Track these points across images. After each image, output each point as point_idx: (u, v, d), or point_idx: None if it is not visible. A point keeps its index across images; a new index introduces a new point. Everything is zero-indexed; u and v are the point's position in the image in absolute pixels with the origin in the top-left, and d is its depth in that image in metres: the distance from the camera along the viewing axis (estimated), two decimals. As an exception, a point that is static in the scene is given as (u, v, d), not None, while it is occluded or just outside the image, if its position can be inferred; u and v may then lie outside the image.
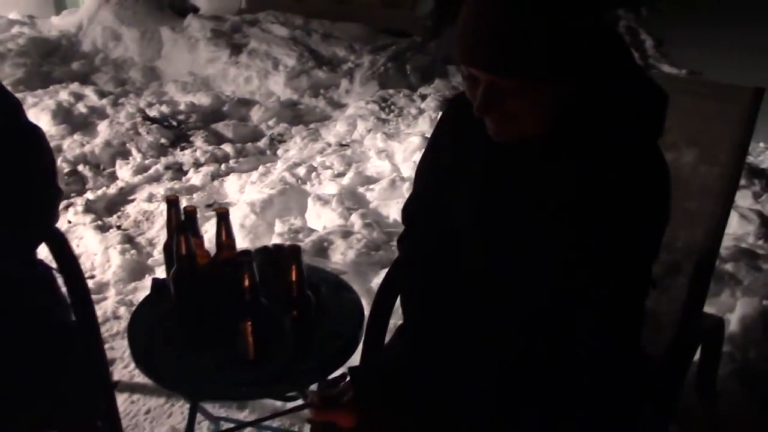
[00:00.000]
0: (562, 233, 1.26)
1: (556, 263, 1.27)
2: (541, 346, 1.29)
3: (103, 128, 4.47)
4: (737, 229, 3.12)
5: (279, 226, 3.29)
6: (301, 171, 3.88)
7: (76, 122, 4.55)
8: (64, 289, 1.85)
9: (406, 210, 1.60)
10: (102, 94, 4.93)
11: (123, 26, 5.95)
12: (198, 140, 4.42)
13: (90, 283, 2.84)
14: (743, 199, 3.38)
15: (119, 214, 3.71)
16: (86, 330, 1.81)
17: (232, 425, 2.32)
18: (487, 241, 1.38)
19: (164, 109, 4.78)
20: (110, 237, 3.37)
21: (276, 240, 3.19)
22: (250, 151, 4.30)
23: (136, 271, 3.15)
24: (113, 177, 4.06)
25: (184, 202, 2.21)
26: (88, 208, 3.65)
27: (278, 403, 2.38)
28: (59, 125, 4.35)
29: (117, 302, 2.94)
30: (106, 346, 2.56)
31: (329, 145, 4.34)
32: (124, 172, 4.05)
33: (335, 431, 1.40)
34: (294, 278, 1.60)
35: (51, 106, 4.52)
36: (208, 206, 3.62)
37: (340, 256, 2.97)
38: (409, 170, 3.83)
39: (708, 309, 2.05)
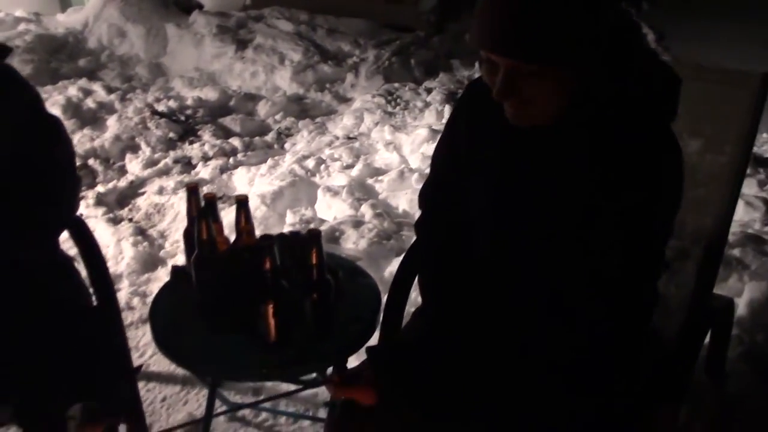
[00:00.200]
0: (579, 215, 1.28)
1: (572, 244, 1.30)
2: (556, 327, 1.32)
3: (112, 123, 4.51)
4: (743, 215, 3.16)
5: (290, 217, 3.32)
6: (310, 163, 3.91)
7: (85, 117, 4.59)
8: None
9: (423, 195, 1.63)
10: (110, 90, 4.97)
11: (128, 23, 5.98)
12: (206, 134, 4.45)
13: (105, 273, 2.87)
14: (749, 187, 3.41)
15: (130, 206, 3.74)
16: (108, 315, 1.84)
17: (248, 411, 2.36)
18: (505, 224, 1.40)
19: (172, 104, 4.82)
20: (122, 229, 3.41)
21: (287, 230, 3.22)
22: (258, 145, 4.33)
23: (149, 262, 3.18)
24: (123, 171, 4.09)
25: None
26: (100, 201, 3.69)
27: (293, 389, 2.42)
28: (69, 120, 4.38)
29: (131, 293, 2.98)
30: (122, 335, 2.60)
31: (337, 138, 4.37)
32: (134, 166, 4.08)
33: (354, 410, 1.44)
34: (314, 262, 1.63)
35: (60, 102, 4.56)
36: (218, 199, 3.65)
37: (352, 245, 3.00)
38: (417, 162, 3.86)
39: (718, 293, 2.08)
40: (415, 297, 1.94)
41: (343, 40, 5.79)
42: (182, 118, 4.70)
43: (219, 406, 2.32)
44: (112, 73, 5.49)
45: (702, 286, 1.91)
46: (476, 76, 1.36)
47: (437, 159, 1.58)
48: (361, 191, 3.58)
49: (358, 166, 3.86)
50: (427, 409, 1.37)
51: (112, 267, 3.15)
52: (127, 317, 2.82)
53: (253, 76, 5.34)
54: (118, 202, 3.77)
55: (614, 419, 1.40)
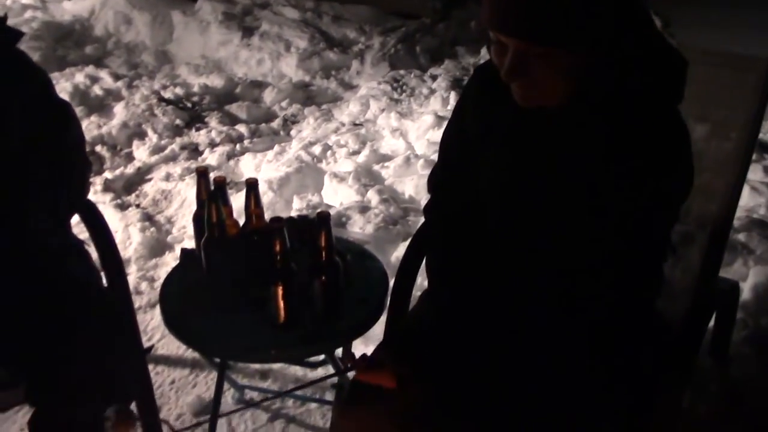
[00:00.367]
0: (588, 196, 1.30)
1: (581, 226, 1.31)
2: (564, 306, 1.34)
3: (119, 110, 4.52)
4: (749, 201, 3.17)
5: (297, 203, 3.34)
6: (317, 150, 3.92)
7: (92, 104, 4.60)
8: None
9: (432, 178, 1.63)
10: (117, 77, 4.97)
11: (134, 10, 5.97)
12: (212, 121, 4.46)
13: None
14: (754, 172, 3.41)
15: (137, 193, 3.76)
16: (119, 296, 1.87)
17: (255, 393, 2.38)
18: (515, 206, 1.41)
19: (178, 91, 4.82)
20: (130, 215, 3.43)
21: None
22: (264, 132, 4.34)
23: (156, 248, 3.21)
24: (130, 157, 4.11)
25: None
26: (107, 187, 3.71)
27: (300, 373, 2.44)
28: (77, 107, 4.37)
29: (139, 278, 3.01)
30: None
31: (343, 124, 4.38)
32: (141, 153, 4.10)
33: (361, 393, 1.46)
34: (323, 244, 1.65)
35: (68, 89, 4.57)
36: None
37: (358, 230, 3.02)
38: (423, 148, 3.86)
39: (723, 276, 2.09)
40: (421, 281, 1.96)
41: (349, 27, 5.78)
42: (189, 105, 4.71)
43: (227, 389, 2.34)
44: (119, 60, 5.50)
45: (707, 270, 1.93)
46: (482, 62, 1.37)
47: (446, 143, 1.59)
48: (368, 177, 3.59)
49: (365, 153, 3.87)
50: (444, 391, 1.39)
51: (120, 252, 3.14)
52: (136, 301, 2.84)
53: (259, 63, 5.35)
54: (125, 189, 3.79)
55: (620, 397, 1.42)
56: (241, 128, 4.33)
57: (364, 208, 3.19)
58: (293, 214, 3.26)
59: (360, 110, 4.53)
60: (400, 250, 2.80)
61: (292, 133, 4.39)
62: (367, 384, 1.43)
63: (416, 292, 1.82)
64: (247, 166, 3.89)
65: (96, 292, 1.82)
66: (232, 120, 4.52)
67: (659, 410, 1.54)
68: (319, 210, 2.74)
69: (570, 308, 1.34)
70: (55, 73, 4.96)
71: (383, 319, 1.83)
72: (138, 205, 3.61)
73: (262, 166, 3.81)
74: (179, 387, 2.45)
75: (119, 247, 3.15)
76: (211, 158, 4.00)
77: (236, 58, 5.44)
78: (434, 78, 4.96)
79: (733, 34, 5.67)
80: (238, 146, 4.13)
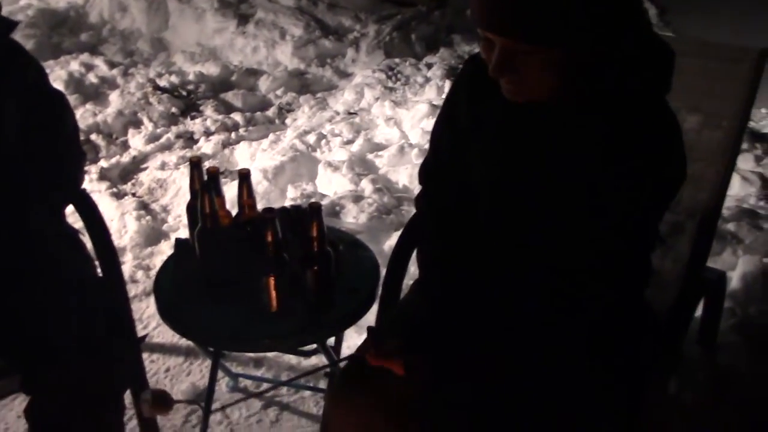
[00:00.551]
0: (578, 188, 1.31)
1: (573, 221, 1.33)
2: (554, 296, 1.36)
3: (114, 98, 4.52)
4: (739, 190, 3.19)
5: (291, 192, 3.35)
6: (311, 138, 3.93)
7: (87, 92, 4.60)
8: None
9: (423, 169, 1.64)
10: (112, 65, 4.97)
11: (129, -3, 5.96)
12: (208, 109, 4.47)
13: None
14: (745, 162, 3.44)
15: (133, 181, 3.77)
16: (113, 285, 1.88)
17: (249, 382, 2.41)
18: (504, 199, 1.43)
19: (173, 79, 4.82)
20: (125, 204, 3.44)
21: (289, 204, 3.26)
22: (260, 120, 4.35)
23: (152, 237, 3.22)
24: (126, 146, 4.11)
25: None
26: (103, 175, 3.72)
27: (294, 361, 2.46)
28: (72, 95, 4.38)
29: (134, 266, 3.02)
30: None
31: (337, 113, 4.38)
32: (137, 141, 4.10)
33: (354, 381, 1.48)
34: (315, 234, 1.66)
35: (63, 77, 4.57)
36: (220, 173, 3.67)
37: (352, 220, 3.04)
38: (417, 137, 3.87)
39: (711, 266, 2.12)
40: (413, 271, 1.98)
41: (344, 14, 5.77)
42: (184, 93, 4.71)
43: (221, 377, 2.36)
44: (114, 48, 5.49)
45: (696, 259, 1.95)
46: (476, 50, 1.39)
47: (436, 134, 1.60)
48: (362, 166, 3.61)
49: (359, 142, 3.88)
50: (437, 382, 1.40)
51: (116, 241, 3.17)
52: (131, 290, 2.86)
53: (254, 51, 5.34)
54: (121, 177, 3.80)
55: (608, 383, 1.44)
56: (237, 116, 4.34)
57: (357, 198, 3.21)
58: (287, 203, 3.27)
59: (355, 99, 4.54)
60: (393, 240, 2.82)
61: (287, 121, 4.40)
62: (371, 368, 1.41)
63: (409, 281, 1.84)
64: (242, 155, 3.89)
65: (90, 281, 1.84)
66: (228, 108, 4.52)
67: (647, 396, 1.56)
68: (312, 200, 2.75)
69: (561, 303, 1.35)
70: (50, 60, 4.95)
71: (375, 308, 1.85)
72: (134, 194, 3.63)
73: (257, 155, 3.81)
74: (174, 375, 2.47)
75: (115, 235, 3.21)
76: (206, 147, 4.01)
77: (231, 45, 5.43)
78: (429, 66, 4.96)
79: (727, 21, 5.69)
80: (233, 135, 4.14)
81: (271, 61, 5.25)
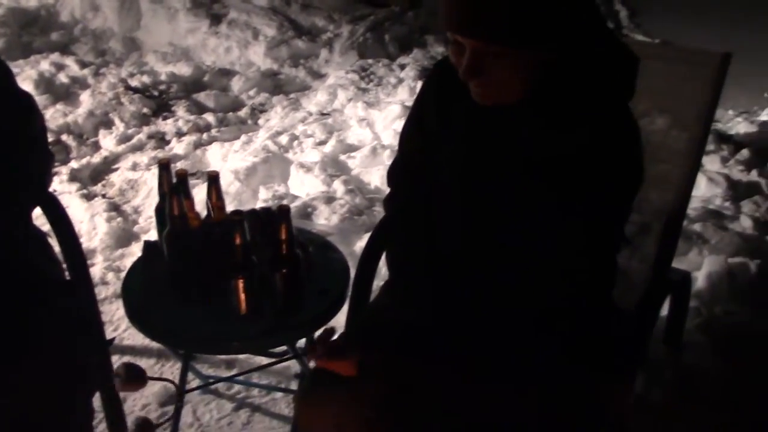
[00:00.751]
0: (542, 190, 1.33)
1: (536, 220, 1.35)
2: (520, 296, 1.37)
3: (85, 98, 4.48)
4: (705, 191, 3.23)
5: (263, 193, 3.35)
6: (284, 139, 3.92)
7: (58, 92, 4.55)
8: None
9: (392, 172, 1.66)
10: (83, 65, 4.93)
11: (101, -4, 5.91)
12: (180, 110, 4.45)
13: (79, 249, 2.89)
14: (712, 163, 3.48)
15: (104, 182, 3.75)
16: (81, 287, 1.87)
17: (220, 384, 2.40)
18: (472, 198, 1.44)
19: (145, 79, 4.80)
20: (96, 205, 3.42)
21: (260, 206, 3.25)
22: (232, 121, 4.34)
23: (123, 238, 3.20)
24: (97, 146, 4.08)
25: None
26: (73, 176, 3.69)
27: (265, 362, 2.46)
28: (42, 95, 4.34)
29: (105, 268, 3.00)
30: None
31: (310, 114, 4.38)
32: (108, 142, 4.07)
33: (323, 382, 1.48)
34: (283, 237, 1.67)
35: (33, 76, 4.51)
36: (191, 174, 3.66)
37: (324, 221, 3.04)
38: (389, 138, 3.88)
39: (676, 266, 2.15)
40: (384, 272, 1.99)
41: (318, 15, 5.77)
42: (156, 93, 4.69)
43: (192, 379, 2.36)
44: (86, 48, 5.44)
45: (661, 259, 1.98)
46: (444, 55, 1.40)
47: (405, 137, 1.61)
48: (334, 167, 3.61)
49: (331, 143, 3.88)
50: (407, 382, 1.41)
51: (86, 242, 3.16)
52: (102, 292, 2.85)
53: (227, 51, 5.32)
54: (91, 178, 3.77)
55: (574, 382, 1.46)
56: (209, 117, 4.32)
57: (329, 199, 3.21)
58: (259, 204, 3.27)
59: (328, 99, 4.54)
60: (364, 241, 2.80)
61: (260, 122, 4.39)
62: (329, 371, 1.45)
63: (380, 282, 1.85)
64: (215, 156, 3.88)
65: (57, 283, 1.83)
66: (200, 109, 4.50)
67: (613, 395, 1.59)
68: (284, 201, 2.75)
69: (530, 303, 1.37)
70: (20, 60, 4.91)
71: (345, 310, 1.86)
72: (104, 195, 3.60)
73: (229, 156, 3.80)
74: (145, 377, 2.46)
75: (85, 237, 3.19)
76: (178, 147, 3.99)
77: (204, 45, 5.41)
78: (402, 67, 4.97)
79: (698, 23, 5.76)
80: (205, 135, 4.12)
81: (244, 62, 5.24)
